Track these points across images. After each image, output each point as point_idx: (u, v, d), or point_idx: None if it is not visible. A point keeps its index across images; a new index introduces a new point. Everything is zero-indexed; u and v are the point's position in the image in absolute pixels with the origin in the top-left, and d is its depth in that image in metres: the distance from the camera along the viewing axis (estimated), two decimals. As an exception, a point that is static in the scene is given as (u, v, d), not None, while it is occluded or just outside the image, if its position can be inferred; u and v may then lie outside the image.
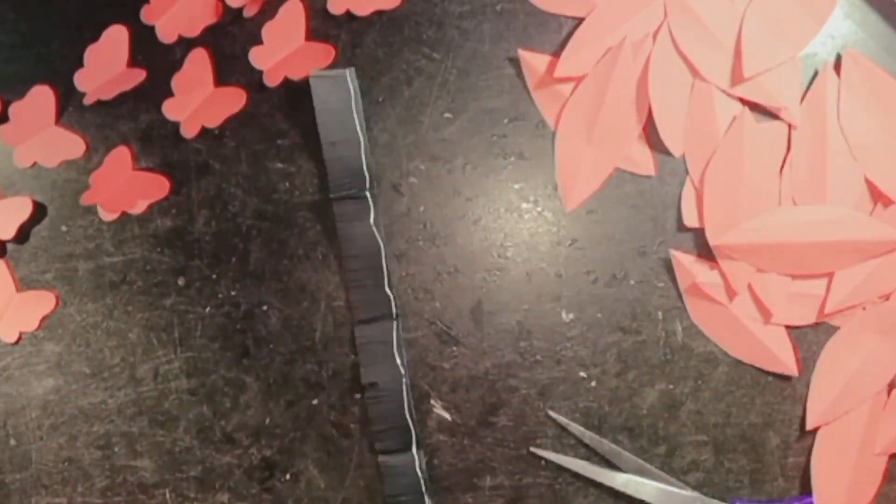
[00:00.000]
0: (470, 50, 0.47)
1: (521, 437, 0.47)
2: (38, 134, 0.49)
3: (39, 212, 0.49)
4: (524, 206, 0.47)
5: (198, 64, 0.48)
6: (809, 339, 0.45)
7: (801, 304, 0.45)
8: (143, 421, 0.48)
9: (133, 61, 0.49)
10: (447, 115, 0.47)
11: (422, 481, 0.45)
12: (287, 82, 0.47)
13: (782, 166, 0.45)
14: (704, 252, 0.46)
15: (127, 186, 0.48)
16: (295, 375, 0.47)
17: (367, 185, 0.46)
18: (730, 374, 0.46)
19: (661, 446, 0.46)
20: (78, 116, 0.49)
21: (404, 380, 0.46)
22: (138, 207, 0.48)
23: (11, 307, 0.49)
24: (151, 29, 0.48)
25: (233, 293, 0.48)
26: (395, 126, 0.48)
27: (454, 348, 0.47)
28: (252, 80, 0.48)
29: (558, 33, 0.47)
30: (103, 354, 0.49)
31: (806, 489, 0.45)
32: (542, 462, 0.46)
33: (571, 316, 0.46)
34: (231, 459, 0.48)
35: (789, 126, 0.45)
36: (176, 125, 0.48)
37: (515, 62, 0.47)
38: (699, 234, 0.46)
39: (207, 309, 0.48)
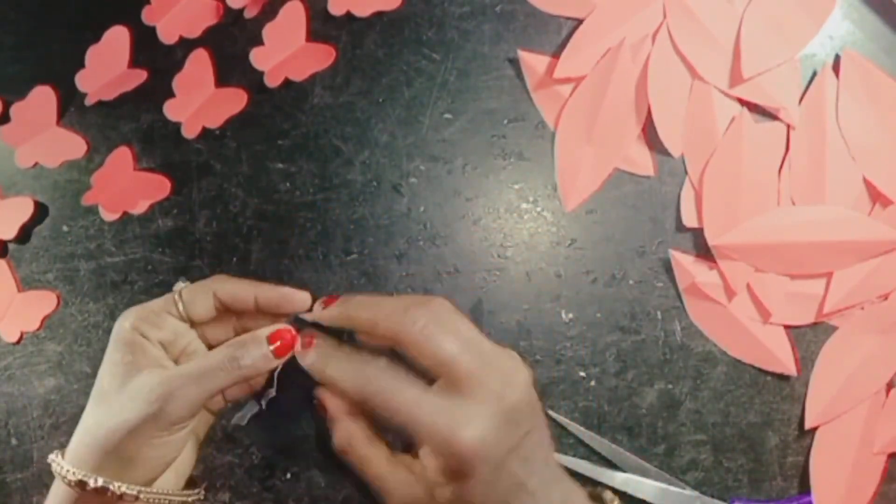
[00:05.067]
0: (470, 51, 0.48)
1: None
2: (39, 134, 0.49)
3: (41, 212, 0.49)
4: (524, 206, 0.47)
5: (199, 64, 0.48)
6: (808, 338, 0.46)
7: (800, 304, 0.45)
8: (145, 420, 0.48)
9: (134, 62, 0.49)
10: (447, 115, 0.48)
11: None
12: (288, 83, 0.48)
13: (781, 166, 0.45)
14: (703, 252, 0.46)
15: (128, 187, 0.48)
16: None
17: None
18: (729, 373, 0.46)
19: (660, 445, 0.46)
20: (79, 117, 0.49)
21: None
22: (139, 207, 0.48)
23: (13, 307, 0.49)
24: (152, 30, 0.49)
25: (233, 293, 0.48)
26: (395, 126, 0.48)
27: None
28: (253, 81, 0.48)
29: (558, 34, 0.47)
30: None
31: (805, 488, 0.45)
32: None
33: (571, 316, 0.47)
34: (232, 458, 0.48)
35: (788, 126, 0.45)
36: (177, 126, 0.48)
37: (515, 63, 0.47)
38: (698, 235, 0.46)
39: (208, 309, 0.48)
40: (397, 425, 0.36)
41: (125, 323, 0.39)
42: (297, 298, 0.40)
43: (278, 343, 0.38)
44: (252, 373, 0.38)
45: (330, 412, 0.39)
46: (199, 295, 0.40)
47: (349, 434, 0.39)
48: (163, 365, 0.38)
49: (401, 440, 0.40)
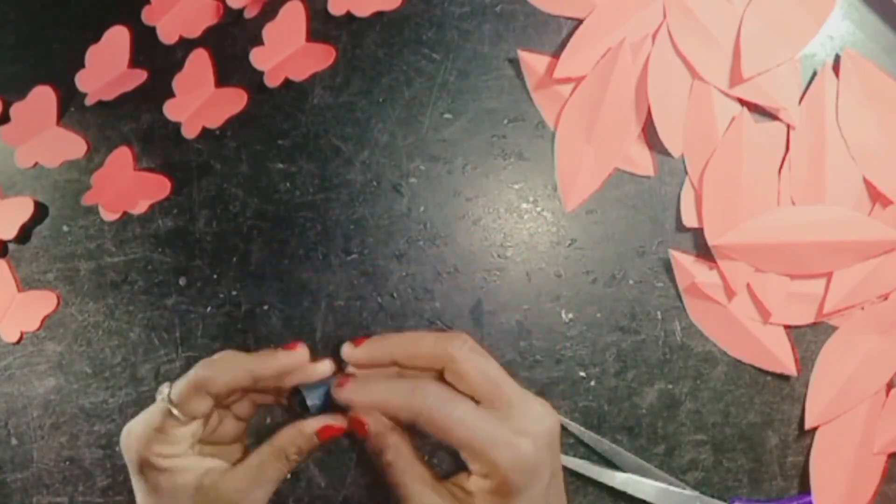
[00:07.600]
0: (470, 51, 0.48)
1: (521, 436, 0.47)
2: (39, 134, 0.49)
3: (41, 212, 0.49)
4: (524, 206, 0.47)
5: (199, 64, 0.48)
6: (808, 338, 0.46)
7: (800, 304, 0.45)
8: (145, 420, 0.48)
9: (134, 62, 0.49)
10: (447, 115, 0.48)
11: None
12: (288, 83, 0.48)
13: (781, 166, 0.45)
14: (703, 252, 0.46)
15: (128, 187, 0.48)
16: (295, 375, 0.48)
17: None
18: (729, 373, 0.46)
19: (660, 445, 0.46)
20: (79, 117, 0.49)
21: None
22: (139, 207, 0.48)
23: (13, 307, 0.49)
24: (153, 30, 0.49)
25: (234, 293, 0.48)
26: (395, 126, 0.48)
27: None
28: (253, 81, 0.48)
29: (558, 34, 0.47)
30: (105, 354, 0.49)
31: (805, 488, 0.45)
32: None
33: (571, 316, 0.47)
34: (232, 459, 0.48)
35: (788, 126, 0.45)
36: (177, 125, 0.48)
37: (515, 63, 0.47)
38: (698, 234, 0.46)
39: (209, 309, 0.48)
40: (452, 441, 0.35)
41: (144, 455, 0.37)
42: (296, 361, 0.38)
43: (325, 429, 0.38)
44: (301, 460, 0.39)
45: (371, 427, 0.37)
46: (192, 397, 0.37)
47: (395, 449, 0.36)
48: (208, 468, 0.38)
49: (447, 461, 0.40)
